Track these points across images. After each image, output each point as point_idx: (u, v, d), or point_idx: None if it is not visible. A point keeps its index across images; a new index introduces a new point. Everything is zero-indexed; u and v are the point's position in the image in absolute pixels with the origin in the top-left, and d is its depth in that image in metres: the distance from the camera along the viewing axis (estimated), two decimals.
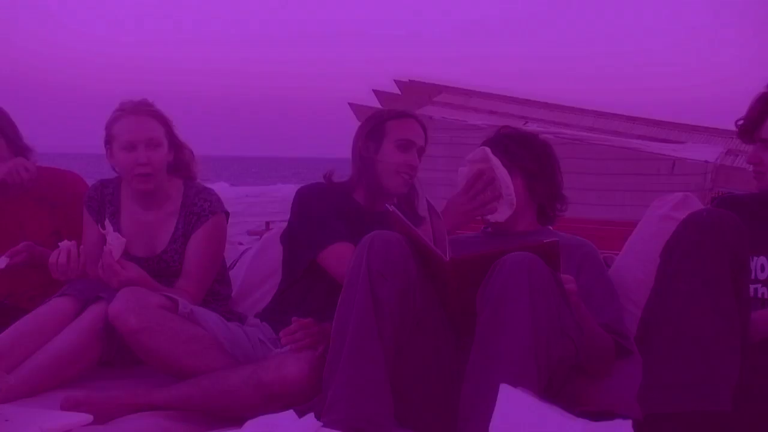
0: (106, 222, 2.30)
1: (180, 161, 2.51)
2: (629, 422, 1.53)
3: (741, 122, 2.03)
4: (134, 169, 2.38)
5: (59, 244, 2.27)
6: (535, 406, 1.51)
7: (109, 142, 2.43)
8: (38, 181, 2.66)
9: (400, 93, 13.57)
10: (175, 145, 2.49)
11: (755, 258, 1.91)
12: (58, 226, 2.63)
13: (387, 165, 2.34)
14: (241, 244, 3.71)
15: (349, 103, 12.68)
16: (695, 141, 12.25)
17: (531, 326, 1.64)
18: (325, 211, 2.30)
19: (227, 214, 2.50)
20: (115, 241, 2.24)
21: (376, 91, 13.65)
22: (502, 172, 2.16)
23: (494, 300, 1.68)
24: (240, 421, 1.72)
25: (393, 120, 2.39)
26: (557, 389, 1.79)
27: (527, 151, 2.22)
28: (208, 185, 2.55)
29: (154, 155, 2.40)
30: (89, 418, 1.83)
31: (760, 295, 1.92)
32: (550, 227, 2.30)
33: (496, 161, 2.17)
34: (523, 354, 1.63)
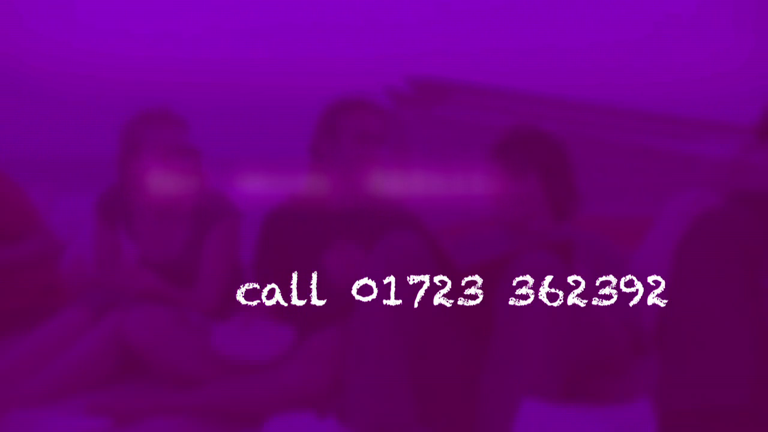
0: (121, 229, 2.30)
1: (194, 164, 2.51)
2: (649, 407, 1.53)
3: (759, 120, 2.01)
4: (176, 176, 2.37)
5: (66, 254, 2.27)
6: (556, 414, 1.51)
7: (132, 149, 2.40)
8: None
9: (413, 92, 13.45)
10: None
11: None
12: None
13: (348, 162, 2.19)
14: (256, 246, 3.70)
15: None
16: (710, 137, 12.16)
17: (549, 329, 1.64)
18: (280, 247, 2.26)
19: (240, 215, 2.49)
20: (130, 248, 2.24)
21: (387, 91, 13.52)
22: None
23: (510, 304, 1.68)
24: (260, 423, 1.73)
25: (344, 111, 2.21)
26: (575, 387, 1.79)
27: (541, 148, 2.21)
28: (219, 187, 2.55)
29: (190, 161, 2.41)
30: (109, 422, 1.85)
31: None
32: (566, 224, 2.30)
33: None
34: (541, 358, 1.63)
